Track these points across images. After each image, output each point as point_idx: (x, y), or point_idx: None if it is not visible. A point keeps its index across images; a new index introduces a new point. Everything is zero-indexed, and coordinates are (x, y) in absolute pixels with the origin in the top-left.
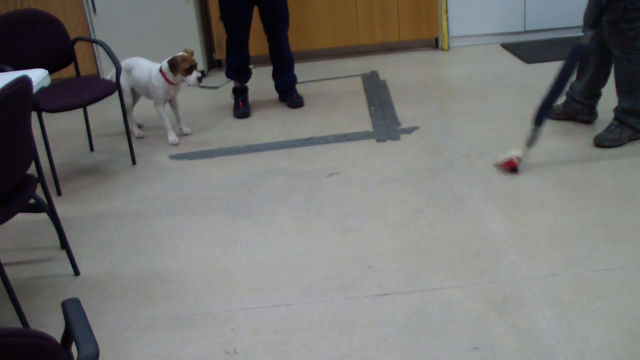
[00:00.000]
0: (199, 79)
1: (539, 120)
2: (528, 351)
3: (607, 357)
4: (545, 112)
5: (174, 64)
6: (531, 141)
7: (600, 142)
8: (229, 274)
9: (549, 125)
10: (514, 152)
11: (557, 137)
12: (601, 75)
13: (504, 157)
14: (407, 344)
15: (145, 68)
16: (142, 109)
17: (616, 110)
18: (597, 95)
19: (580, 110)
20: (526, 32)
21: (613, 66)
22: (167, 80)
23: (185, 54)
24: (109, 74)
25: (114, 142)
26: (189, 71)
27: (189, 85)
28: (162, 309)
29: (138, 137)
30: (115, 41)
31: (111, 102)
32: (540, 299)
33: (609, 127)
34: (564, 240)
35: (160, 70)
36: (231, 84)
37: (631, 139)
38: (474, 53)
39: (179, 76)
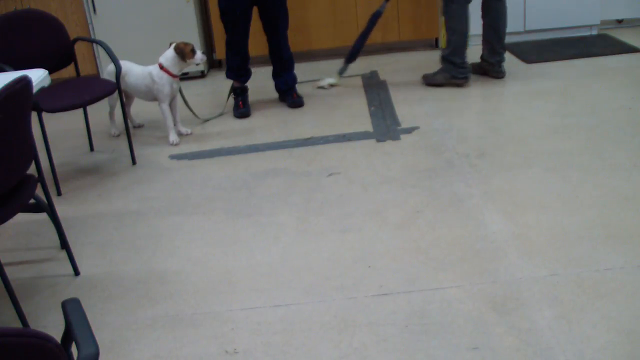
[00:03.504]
0: (204, 53)
1: (348, 60)
2: (528, 351)
3: (607, 357)
4: (352, 56)
5: (182, 51)
6: (342, 72)
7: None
8: (229, 274)
9: (551, 125)
10: (330, 80)
11: (555, 136)
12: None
13: (322, 83)
14: (407, 344)
15: (140, 72)
16: (142, 109)
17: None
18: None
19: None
20: (526, 32)
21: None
22: (170, 74)
23: (176, 42)
24: (105, 72)
25: (114, 142)
26: (193, 52)
27: (197, 64)
28: (162, 309)
29: (113, 136)
30: (115, 41)
31: None
32: (540, 299)
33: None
34: (564, 240)
35: (162, 68)
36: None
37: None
38: (474, 53)
39: (189, 61)
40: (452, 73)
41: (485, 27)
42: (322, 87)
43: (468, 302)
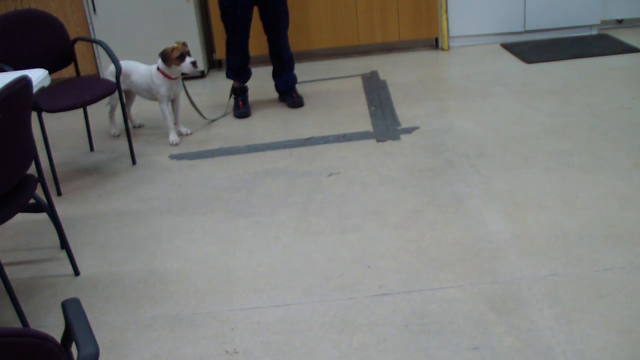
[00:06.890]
0: (194, 64)
1: None
2: (528, 351)
3: (607, 357)
4: None
5: (165, 56)
6: None
7: None
8: (229, 274)
9: (545, 126)
10: None
11: (555, 137)
12: None
13: None
14: (407, 344)
15: (144, 71)
16: (142, 109)
17: None
18: None
19: None
20: (526, 32)
21: None
22: (166, 76)
23: (175, 44)
24: (106, 72)
25: (114, 142)
26: (181, 59)
27: (186, 72)
28: (162, 309)
29: (113, 136)
30: (115, 41)
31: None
32: (540, 299)
33: None
34: (564, 240)
35: (158, 68)
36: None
37: None
38: (474, 53)
39: (174, 67)
40: None
41: None
42: None
43: (468, 302)
